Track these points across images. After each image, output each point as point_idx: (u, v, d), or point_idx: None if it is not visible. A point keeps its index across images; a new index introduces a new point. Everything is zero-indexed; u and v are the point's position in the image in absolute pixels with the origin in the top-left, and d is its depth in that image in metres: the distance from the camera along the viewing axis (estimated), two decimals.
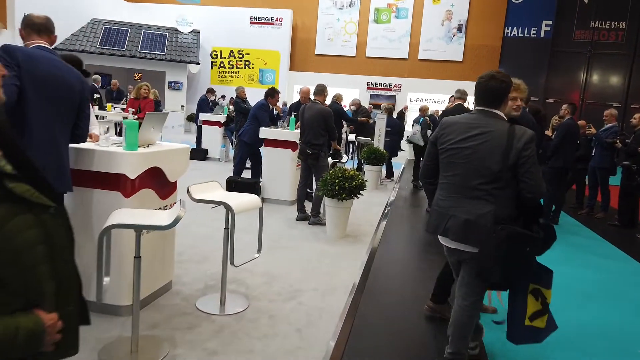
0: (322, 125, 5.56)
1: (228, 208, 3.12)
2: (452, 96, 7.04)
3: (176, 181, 3.61)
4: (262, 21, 19.85)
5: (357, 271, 4.31)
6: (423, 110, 9.78)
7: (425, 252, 5.21)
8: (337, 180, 5.01)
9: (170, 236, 3.57)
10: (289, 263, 4.44)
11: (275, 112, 7.49)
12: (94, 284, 2.63)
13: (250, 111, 7.12)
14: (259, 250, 3.52)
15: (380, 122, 9.05)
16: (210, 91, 11.83)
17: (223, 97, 16.66)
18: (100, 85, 11.93)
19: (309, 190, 6.50)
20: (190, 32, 19.41)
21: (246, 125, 7.08)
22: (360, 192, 5.16)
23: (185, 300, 3.49)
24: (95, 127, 3.39)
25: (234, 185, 6.61)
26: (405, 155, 13.84)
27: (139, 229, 2.50)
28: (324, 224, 5.56)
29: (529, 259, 2.40)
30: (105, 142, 3.00)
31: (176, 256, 4.28)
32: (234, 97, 10.44)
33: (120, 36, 18.35)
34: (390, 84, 19.38)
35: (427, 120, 9.15)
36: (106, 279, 2.72)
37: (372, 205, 7.18)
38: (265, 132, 6.62)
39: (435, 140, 2.60)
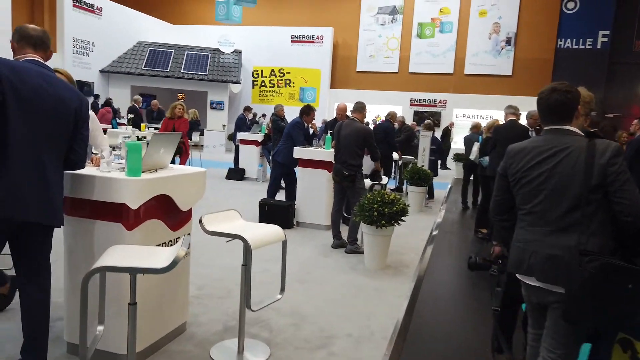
0: (359, 144, 5.09)
1: (244, 242, 2.67)
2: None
3: (190, 210, 3.20)
4: (303, 39, 19.75)
5: (399, 311, 3.75)
6: (476, 128, 9.10)
7: (475, 286, 4.57)
8: (375, 205, 4.49)
9: (183, 273, 3.15)
10: (321, 300, 3.94)
11: (311, 130, 7.08)
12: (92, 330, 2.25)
13: (285, 130, 6.75)
14: (282, 290, 3.05)
15: (424, 140, 8.47)
16: (248, 109, 11.63)
17: (264, 115, 16.52)
18: (140, 105, 12.00)
19: (345, 215, 6.02)
20: (232, 52, 19.54)
21: (280, 145, 6.70)
22: (402, 218, 4.62)
23: (198, 346, 3.05)
24: (105, 149, 3.05)
25: (266, 208, 6.21)
26: (451, 174, 13.13)
27: (130, 272, 2.08)
28: (362, 252, 5.04)
29: (634, 299, 1.82)
30: (106, 166, 2.64)
31: (196, 290, 3.89)
32: (273, 115, 10.16)
33: (164, 58, 18.70)
34: (434, 100, 18.70)
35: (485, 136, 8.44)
36: (99, 328, 2.32)
37: (416, 229, 6.58)
38: (299, 152, 6.21)
39: (504, 172, 2.20)
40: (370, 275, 4.60)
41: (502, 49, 18.08)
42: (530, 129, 6.27)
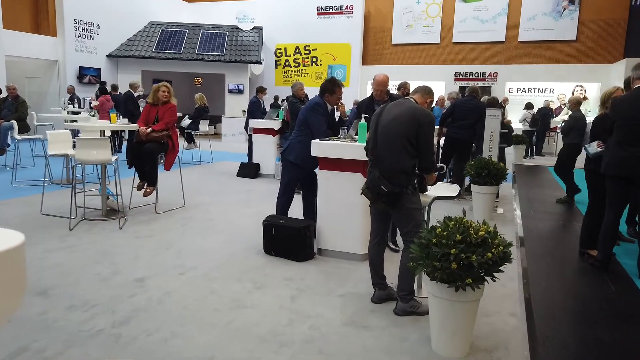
0: (412, 137, 3.01)
1: None
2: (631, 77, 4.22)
3: None
4: (330, 11, 17.52)
5: None
6: (577, 104, 6.80)
7: None
8: (453, 250, 2.44)
9: None
10: None
11: (337, 115, 5.02)
12: None
13: (299, 115, 4.73)
14: None
15: (492, 121, 6.26)
16: (261, 90, 9.63)
17: (287, 98, 14.51)
18: (138, 92, 10.20)
19: (391, 247, 3.99)
20: (252, 29, 17.53)
21: (293, 137, 4.70)
22: (501, 269, 2.55)
23: None
24: None
25: (273, 231, 4.24)
26: (509, 160, 10.77)
27: None
28: (424, 314, 3.03)
29: None
30: None
31: None
32: (290, 97, 8.16)
33: (177, 38, 16.89)
34: (483, 73, 16.18)
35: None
36: None
37: None
38: (319, 147, 4.19)
39: None
40: None
41: (565, 9, 15.34)
42: None
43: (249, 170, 8.61)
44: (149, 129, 5.58)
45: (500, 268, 2.55)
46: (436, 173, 3.31)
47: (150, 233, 4.88)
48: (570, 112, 7.10)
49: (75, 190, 5.29)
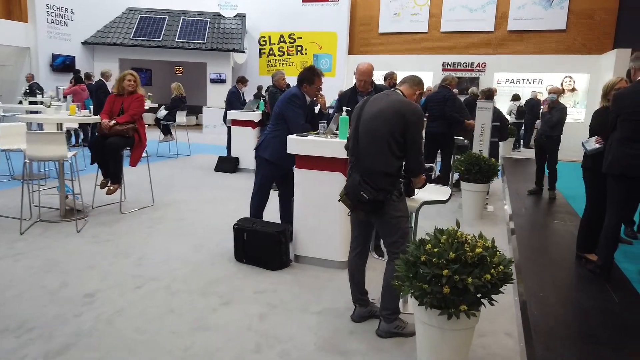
0: (398, 134, 2.61)
1: None
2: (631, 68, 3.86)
3: None
4: None
5: None
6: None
7: None
8: (445, 271, 2.06)
9: None
10: None
11: (317, 107, 4.60)
12: None
13: (274, 108, 4.30)
14: None
15: (483, 114, 5.89)
16: (242, 81, 9.16)
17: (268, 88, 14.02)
18: (109, 80, 9.63)
19: (376, 255, 3.61)
20: (235, 16, 16.94)
21: (267, 131, 4.28)
22: (501, 289, 2.18)
23: None
24: None
25: (244, 236, 3.83)
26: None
27: None
28: (410, 335, 2.67)
29: None
30: None
31: None
32: (270, 87, 7.72)
33: (157, 25, 16.24)
34: (472, 63, 15.82)
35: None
36: None
37: None
38: (295, 143, 3.78)
39: None
40: None
41: None
42: None
43: (228, 164, 8.17)
44: (112, 122, 5.11)
45: (502, 290, 2.18)
46: (425, 175, 2.92)
47: (111, 237, 4.43)
48: (550, 103, 6.78)
49: (31, 189, 4.82)
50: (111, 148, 5.09)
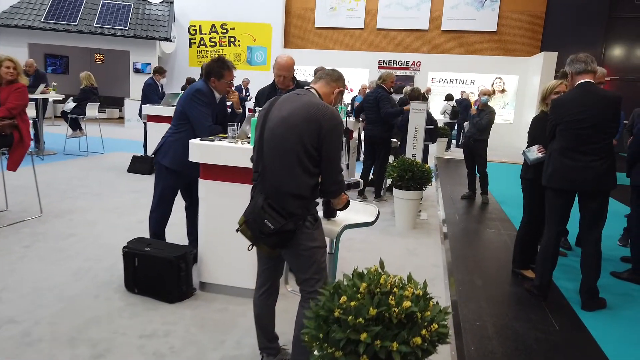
0: (309, 147, 2.07)
1: None
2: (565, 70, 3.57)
3: None
4: None
5: None
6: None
7: None
8: (363, 335, 1.54)
9: None
10: None
11: (229, 106, 3.95)
12: None
13: (176, 106, 3.64)
14: None
15: (417, 117, 5.52)
16: (159, 72, 8.29)
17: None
18: (33, 72, 8.50)
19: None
20: (161, 2, 15.77)
21: (168, 133, 3.61)
22: (435, 351, 1.70)
23: None
24: None
25: (135, 262, 3.16)
26: (431, 153, 10.32)
27: None
28: None
29: None
30: None
31: None
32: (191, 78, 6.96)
33: (72, 7, 14.75)
34: (407, 62, 15.73)
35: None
36: None
37: (421, 274, 3.71)
38: (198, 149, 3.15)
39: None
40: None
41: (486, 0, 15.20)
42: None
43: (143, 165, 7.33)
44: None
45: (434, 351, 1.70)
46: (347, 193, 2.40)
47: None
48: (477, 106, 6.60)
49: None
50: None
